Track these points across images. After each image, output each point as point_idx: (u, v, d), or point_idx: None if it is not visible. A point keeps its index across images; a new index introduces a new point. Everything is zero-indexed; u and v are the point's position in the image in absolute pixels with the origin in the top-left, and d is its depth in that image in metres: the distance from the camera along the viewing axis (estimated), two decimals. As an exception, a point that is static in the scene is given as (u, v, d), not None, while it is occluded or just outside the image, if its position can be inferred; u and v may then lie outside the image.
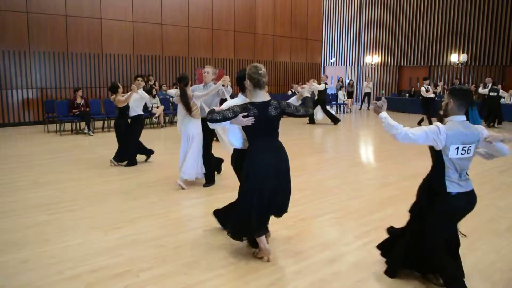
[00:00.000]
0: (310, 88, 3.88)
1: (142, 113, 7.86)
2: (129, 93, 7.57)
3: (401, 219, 5.00)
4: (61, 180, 6.63)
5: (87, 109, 11.94)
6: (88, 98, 12.84)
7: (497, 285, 3.45)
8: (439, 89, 15.82)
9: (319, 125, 14.21)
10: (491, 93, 14.71)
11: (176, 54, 16.29)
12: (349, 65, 25.04)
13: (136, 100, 7.66)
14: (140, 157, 7.89)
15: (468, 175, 3.22)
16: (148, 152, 7.98)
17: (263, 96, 3.80)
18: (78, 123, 11.88)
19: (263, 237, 3.80)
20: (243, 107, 3.71)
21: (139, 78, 7.88)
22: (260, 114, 3.70)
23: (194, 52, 16.81)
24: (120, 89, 7.84)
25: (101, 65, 14.50)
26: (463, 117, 3.13)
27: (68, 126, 12.21)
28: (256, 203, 3.67)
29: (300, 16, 20.73)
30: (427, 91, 13.77)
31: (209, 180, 6.41)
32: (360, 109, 21.70)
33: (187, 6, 16.43)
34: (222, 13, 17.56)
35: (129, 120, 7.76)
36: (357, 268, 3.70)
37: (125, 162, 7.67)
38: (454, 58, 20.16)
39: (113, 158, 7.66)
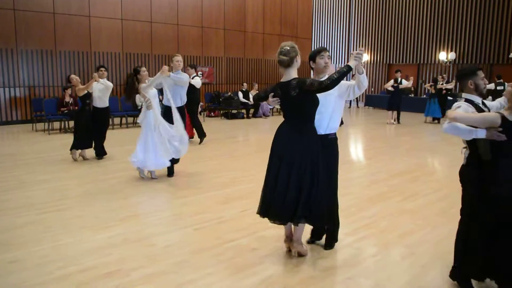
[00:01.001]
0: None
1: (108, 105, 8.12)
2: (90, 81, 7.82)
3: (389, 216, 5.07)
4: (50, 179, 6.58)
5: (76, 107, 11.84)
6: (76, 97, 12.72)
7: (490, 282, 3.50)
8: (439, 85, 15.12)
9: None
10: (498, 87, 14.29)
11: (165, 52, 16.22)
12: (338, 63, 25.14)
13: (102, 90, 7.87)
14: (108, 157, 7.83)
15: None
16: (101, 152, 8.07)
17: (288, 75, 3.66)
18: (66, 122, 11.79)
19: (287, 227, 3.82)
20: (273, 88, 3.72)
21: (102, 69, 8.04)
22: (283, 95, 3.61)
23: (184, 50, 16.74)
24: (74, 80, 8.04)
25: (90, 63, 14.39)
26: None
27: (56, 124, 12.11)
28: (263, 188, 3.72)
29: (290, 14, 20.75)
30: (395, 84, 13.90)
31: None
32: (350, 107, 21.81)
33: (177, 4, 16.36)
34: (212, 11, 17.52)
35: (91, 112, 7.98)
36: (347, 265, 3.74)
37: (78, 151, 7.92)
38: (442, 56, 20.34)
39: (74, 148, 7.82)
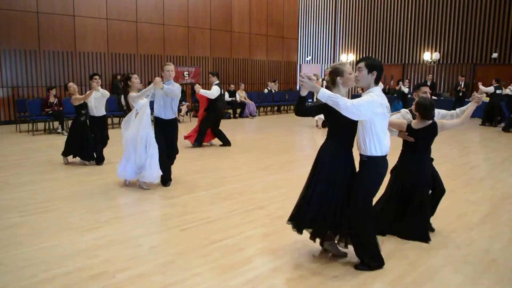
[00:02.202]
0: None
1: (105, 113, 7.92)
2: (88, 91, 7.48)
3: (376, 215, 5.09)
4: (34, 181, 6.49)
5: (61, 108, 11.70)
6: (61, 97, 12.58)
7: (468, 276, 3.55)
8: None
9: (299, 124, 14.26)
10: (497, 91, 14.00)
11: (151, 52, 16.12)
12: (325, 63, 25.24)
13: (98, 99, 7.60)
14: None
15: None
16: (96, 159, 7.73)
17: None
18: (51, 123, 11.64)
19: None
20: None
21: (96, 77, 7.76)
22: None
23: (170, 50, 16.67)
24: (71, 88, 7.78)
25: (74, 64, 14.22)
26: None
27: (41, 125, 11.94)
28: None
29: (276, 14, 20.80)
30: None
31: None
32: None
33: (162, 4, 16.26)
34: (198, 11, 17.46)
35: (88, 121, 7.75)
36: (334, 264, 3.76)
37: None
38: (427, 56, 20.56)
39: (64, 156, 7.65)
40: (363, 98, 3.34)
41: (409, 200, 4.30)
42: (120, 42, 15.17)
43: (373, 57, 3.66)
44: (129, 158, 6.04)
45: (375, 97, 3.36)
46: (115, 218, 4.87)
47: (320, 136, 11.91)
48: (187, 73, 17.04)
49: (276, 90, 19.33)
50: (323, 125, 12.72)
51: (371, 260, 3.65)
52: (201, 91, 9.00)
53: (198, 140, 9.51)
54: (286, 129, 13.19)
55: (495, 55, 18.61)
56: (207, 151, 9.14)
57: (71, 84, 7.83)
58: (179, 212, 5.10)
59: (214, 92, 9.25)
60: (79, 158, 7.67)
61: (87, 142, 7.54)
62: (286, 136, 11.82)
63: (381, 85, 3.53)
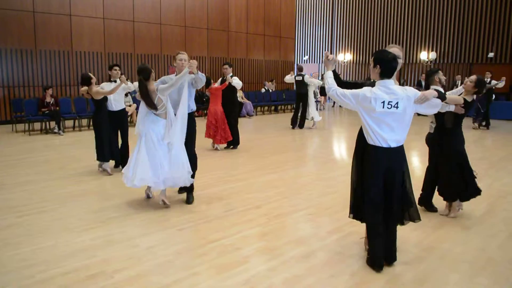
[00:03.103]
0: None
1: (125, 106, 7.42)
2: (117, 83, 6.80)
3: (373, 214, 5.10)
4: (31, 181, 6.47)
5: (57, 108, 11.67)
6: (58, 97, 12.54)
7: (465, 275, 3.57)
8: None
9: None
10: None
11: (148, 51, 16.10)
12: (322, 62, 25.28)
13: (118, 92, 6.98)
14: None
15: None
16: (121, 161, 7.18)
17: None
18: (47, 123, 11.61)
19: None
20: None
21: (116, 67, 7.13)
22: None
23: (167, 50, 16.65)
24: (94, 79, 6.76)
25: (71, 63, 14.19)
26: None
27: (37, 125, 11.91)
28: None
29: (273, 13, 20.80)
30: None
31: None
32: (333, 106, 21.96)
33: (159, 3, 16.24)
34: (195, 11, 17.45)
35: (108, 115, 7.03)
36: (331, 263, 3.77)
37: (110, 163, 7.12)
38: (423, 56, 20.62)
39: (100, 161, 6.95)
40: (354, 90, 3.51)
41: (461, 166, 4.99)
42: (117, 42, 15.14)
43: (387, 50, 3.53)
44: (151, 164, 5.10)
45: (367, 91, 3.43)
46: (112, 218, 4.87)
47: (316, 136, 11.93)
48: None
49: (273, 90, 19.34)
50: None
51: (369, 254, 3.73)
52: (234, 81, 8.86)
53: (235, 141, 9.31)
54: (283, 129, 13.19)
55: (491, 54, 18.68)
56: (204, 151, 9.13)
57: (90, 75, 6.81)
58: (176, 212, 5.10)
59: (240, 82, 9.07)
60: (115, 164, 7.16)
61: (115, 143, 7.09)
62: (283, 136, 11.83)
63: (391, 80, 3.45)
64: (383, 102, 3.38)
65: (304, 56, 26.03)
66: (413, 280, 3.49)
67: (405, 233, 4.49)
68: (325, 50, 24.98)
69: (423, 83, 15.66)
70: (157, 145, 5.06)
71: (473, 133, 12.52)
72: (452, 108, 4.66)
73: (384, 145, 3.50)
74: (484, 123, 13.54)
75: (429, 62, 20.49)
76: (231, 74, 9.08)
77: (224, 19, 18.60)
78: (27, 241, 4.18)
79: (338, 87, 3.57)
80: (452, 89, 16.34)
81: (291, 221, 4.86)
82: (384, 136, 3.48)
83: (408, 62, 21.50)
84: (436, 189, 5.19)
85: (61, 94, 13.75)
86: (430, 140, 5.13)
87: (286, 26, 21.56)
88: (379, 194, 3.58)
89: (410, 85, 20.70)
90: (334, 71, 3.75)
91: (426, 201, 5.24)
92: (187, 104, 5.18)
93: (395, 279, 3.48)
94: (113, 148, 7.09)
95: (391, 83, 3.44)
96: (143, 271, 3.57)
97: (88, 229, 4.49)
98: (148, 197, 5.60)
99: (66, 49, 14.05)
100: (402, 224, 3.80)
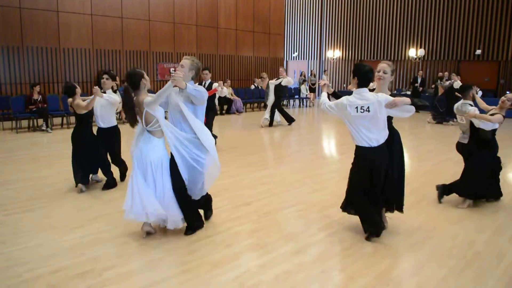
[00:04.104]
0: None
1: (116, 123, 6.13)
2: (90, 97, 5.84)
3: (362, 210, 5.13)
4: (18, 179, 6.39)
5: (45, 105, 11.53)
6: (45, 94, 12.39)
7: (453, 270, 3.60)
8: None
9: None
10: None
11: (137, 48, 15.98)
12: (311, 59, 25.31)
13: (105, 107, 5.87)
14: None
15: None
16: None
17: None
18: (35, 120, 11.47)
19: None
20: None
21: (105, 76, 5.96)
22: None
23: (155, 47, 16.54)
24: (78, 90, 5.90)
25: (58, 60, 14.02)
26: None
27: (24, 123, 11.76)
28: None
29: (262, 10, 20.76)
30: None
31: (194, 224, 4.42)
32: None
33: (148, -1, 16.14)
34: (184, 7, 17.35)
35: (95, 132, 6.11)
36: (321, 259, 3.78)
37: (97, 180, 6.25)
38: (412, 53, 20.76)
39: (80, 181, 5.80)
40: (337, 100, 4.13)
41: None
42: (105, 38, 15.00)
43: (364, 63, 4.10)
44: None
45: (344, 100, 4.01)
46: (101, 215, 4.83)
47: (305, 133, 11.95)
48: (173, 69, 16.93)
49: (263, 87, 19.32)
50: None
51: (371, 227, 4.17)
52: (189, 87, 8.48)
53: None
54: (273, 125, 13.20)
55: (478, 51, 18.87)
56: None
57: (96, 89, 5.75)
58: (166, 209, 5.06)
59: (205, 95, 8.20)
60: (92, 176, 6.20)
61: (95, 157, 6.00)
62: (273, 132, 11.84)
63: (366, 89, 4.00)
64: (357, 107, 3.92)
65: (293, 53, 26.04)
66: (402, 275, 3.52)
67: (393, 228, 4.52)
68: (315, 47, 25.04)
69: (419, 80, 15.87)
70: (148, 170, 4.07)
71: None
72: (489, 125, 5.05)
73: (366, 145, 4.02)
74: (449, 120, 13.21)
75: (417, 59, 20.63)
76: (210, 80, 8.71)
77: (213, 16, 18.52)
78: (14, 240, 4.13)
79: (327, 101, 4.21)
80: (433, 83, 16.49)
81: (281, 218, 4.87)
82: (363, 137, 4.00)
83: (396, 59, 21.63)
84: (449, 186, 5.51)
85: (48, 91, 13.59)
86: (465, 150, 5.48)
87: (275, 23, 21.54)
88: (365, 187, 4.15)
89: (400, 82, 20.93)
90: (335, 92, 4.52)
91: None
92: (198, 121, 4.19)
93: (384, 274, 3.51)
94: (100, 165, 6.10)
95: (365, 91, 3.98)
96: (133, 268, 3.55)
97: (76, 227, 4.45)
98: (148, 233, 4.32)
99: (54, 46, 13.88)
100: (392, 211, 4.43)
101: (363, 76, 3.97)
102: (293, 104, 20.31)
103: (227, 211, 5.03)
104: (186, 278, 3.40)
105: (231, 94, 16.48)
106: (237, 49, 19.77)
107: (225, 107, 16.22)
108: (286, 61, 25.71)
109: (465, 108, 5.32)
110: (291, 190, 5.92)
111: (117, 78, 10.38)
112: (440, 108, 13.37)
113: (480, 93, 16.74)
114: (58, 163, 7.42)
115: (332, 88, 4.55)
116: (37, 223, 4.58)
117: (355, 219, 4.82)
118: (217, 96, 10.46)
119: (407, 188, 6.01)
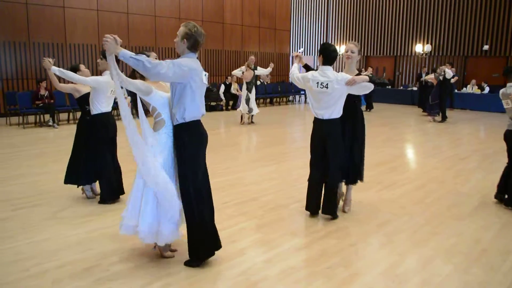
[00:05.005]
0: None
1: (106, 110, 5.09)
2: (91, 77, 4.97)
3: (368, 206, 5.15)
4: (25, 174, 6.44)
5: (51, 101, 11.58)
6: (52, 90, 12.45)
7: (458, 266, 3.59)
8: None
9: (291, 116, 14.26)
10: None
11: (143, 44, 15.98)
12: (317, 55, 25.22)
13: (97, 90, 4.93)
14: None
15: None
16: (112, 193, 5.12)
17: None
18: (42, 115, 11.53)
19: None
20: None
21: (100, 57, 4.97)
22: None
23: (161, 42, 16.55)
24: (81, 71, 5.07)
25: (65, 56, 14.07)
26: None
27: (31, 118, 11.83)
28: None
29: (268, 5, 20.69)
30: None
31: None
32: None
33: (154, -5, 16.12)
34: (190, 2, 17.32)
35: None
36: (327, 255, 3.78)
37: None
38: (418, 48, 20.62)
39: (67, 181, 5.26)
40: (303, 73, 4.57)
41: None
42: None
43: (330, 43, 4.51)
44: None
45: (309, 74, 4.46)
46: (108, 211, 4.85)
47: (310, 128, 11.91)
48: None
49: (269, 82, 19.28)
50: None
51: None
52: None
53: None
54: (278, 121, 13.20)
55: (486, 47, 18.70)
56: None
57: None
58: (171, 205, 5.08)
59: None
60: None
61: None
62: (279, 128, 11.83)
63: (329, 67, 4.39)
64: (317, 82, 4.36)
65: (299, 49, 25.97)
66: (407, 271, 3.51)
67: (398, 224, 4.52)
68: (321, 42, 24.95)
69: (423, 76, 15.73)
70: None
71: (471, 124, 12.58)
72: None
73: (319, 117, 4.50)
74: (440, 116, 13.03)
75: (424, 55, 20.49)
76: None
77: (219, 11, 18.48)
78: (21, 234, 4.16)
79: (297, 73, 4.63)
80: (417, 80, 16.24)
81: (287, 214, 4.87)
82: (318, 110, 4.47)
83: (403, 55, 21.50)
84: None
85: (55, 87, 13.63)
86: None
87: (281, 18, 21.46)
88: (318, 157, 4.59)
89: (407, 78, 20.82)
90: (306, 64, 4.80)
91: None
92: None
93: (390, 270, 3.51)
94: (97, 167, 5.13)
95: (329, 69, 4.38)
96: (140, 263, 3.57)
97: (83, 222, 4.48)
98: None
99: (60, 42, 13.92)
100: (354, 183, 4.85)
101: (329, 54, 4.37)
102: (299, 100, 20.28)
103: (232, 207, 5.04)
104: (191, 273, 3.41)
105: (237, 90, 16.46)
106: (243, 44, 19.73)
107: (231, 103, 16.21)
108: (292, 57, 25.65)
109: (511, 90, 5.01)
110: (296, 186, 5.92)
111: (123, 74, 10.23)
112: (431, 101, 13.05)
113: (487, 88, 16.70)
114: (64, 158, 7.42)
115: (304, 60, 4.83)
116: (44, 218, 4.61)
117: (361, 215, 4.82)
118: (233, 85, 10.00)
119: (414, 184, 6.01)
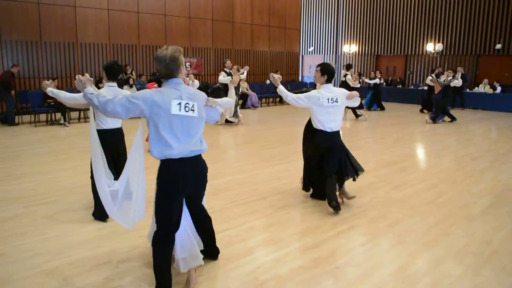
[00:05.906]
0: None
1: (108, 127, 4.49)
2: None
3: (378, 206, 5.12)
4: (37, 172, 6.50)
5: (62, 99, 11.66)
6: (63, 88, 12.56)
7: (469, 268, 3.56)
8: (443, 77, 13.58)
9: (300, 115, 14.22)
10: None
11: (153, 43, 16.06)
12: (327, 54, 25.13)
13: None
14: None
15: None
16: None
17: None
18: (53, 114, 11.64)
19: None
20: None
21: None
22: None
23: (171, 41, 16.59)
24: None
25: (76, 55, 14.19)
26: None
27: (43, 117, 11.95)
28: None
29: (278, 4, 20.65)
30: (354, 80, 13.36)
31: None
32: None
33: (164, -6, 16.18)
34: (200, 1, 17.36)
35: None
36: (336, 255, 3.77)
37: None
38: (430, 47, 20.43)
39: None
40: (305, 93, 4.91)
41: None
42: (121, 33, 15.11)
43: (330, 63, 4.97)
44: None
45: (315, 93, 4.85)
46: (117, 209, 4.87)
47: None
48: (189, 64, 17.00)
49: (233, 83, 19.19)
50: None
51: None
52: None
53: None
54: (288, 120, 13.17)
55: (498, 46, 18.47)
56: (208, 141, 9.13)
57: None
58: (181, 203, 5.10)
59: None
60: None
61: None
62: (288, 127, 11.80)
63: (331, 84, 4.89)
64: (327, 99, 4.78)
65: (309, 48, 25.90)
66: (417, 272, 3.49)
67: (409, 225, 4.48)
68: (331, 42, 24.86)
69: (431, 77, 15.62)
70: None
71: (483, 123, 12.44)
72: None
73: (329, 130, 4.88)
74: (450, 119, 12.76)
75: (435, 54, 20.31)
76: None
77: (229, 10, 18.50)
78: (33, 231, 4.21)
79: (291, 94, 4.94)
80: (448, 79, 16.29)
81: (296, 213, 4.86)
82: (328, 124, 4.86)
83: (414, 54, 21.34)
84: None
85: (66, 86, 13.77)
86: None
87: (291, 17, 21.41)
88: (318, 164, 4.99)
89: (418, 77, 20.64)
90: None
91: None
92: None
93: (399, 271, 3.48)
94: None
95: (331, 85, 4.89)
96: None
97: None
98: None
99: (71, 41, 14.04)
100: (354, 179, 5.14)
101: (331, 74, 4.84)
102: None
103: (242, 206, 5.04)
104: (201, 272, 3.42)
105: (247, 89, 16.47)
106: (252, 43, 19.73)
107: (241, 102, 16.22)
108: (302, 56, 25.59)
109: None
110: (306, 185, 5.89)
111: (133, 73, 10.36)
112: (434, 107, 12.81)
113: (499, 88, 16.50)
114: (75, 157, 7.52)
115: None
116: (55, 215, 4.65)
117: (372, 215, 4.80)
118: (242, 83, 9.86)
119: (425, 184, 5.96)
